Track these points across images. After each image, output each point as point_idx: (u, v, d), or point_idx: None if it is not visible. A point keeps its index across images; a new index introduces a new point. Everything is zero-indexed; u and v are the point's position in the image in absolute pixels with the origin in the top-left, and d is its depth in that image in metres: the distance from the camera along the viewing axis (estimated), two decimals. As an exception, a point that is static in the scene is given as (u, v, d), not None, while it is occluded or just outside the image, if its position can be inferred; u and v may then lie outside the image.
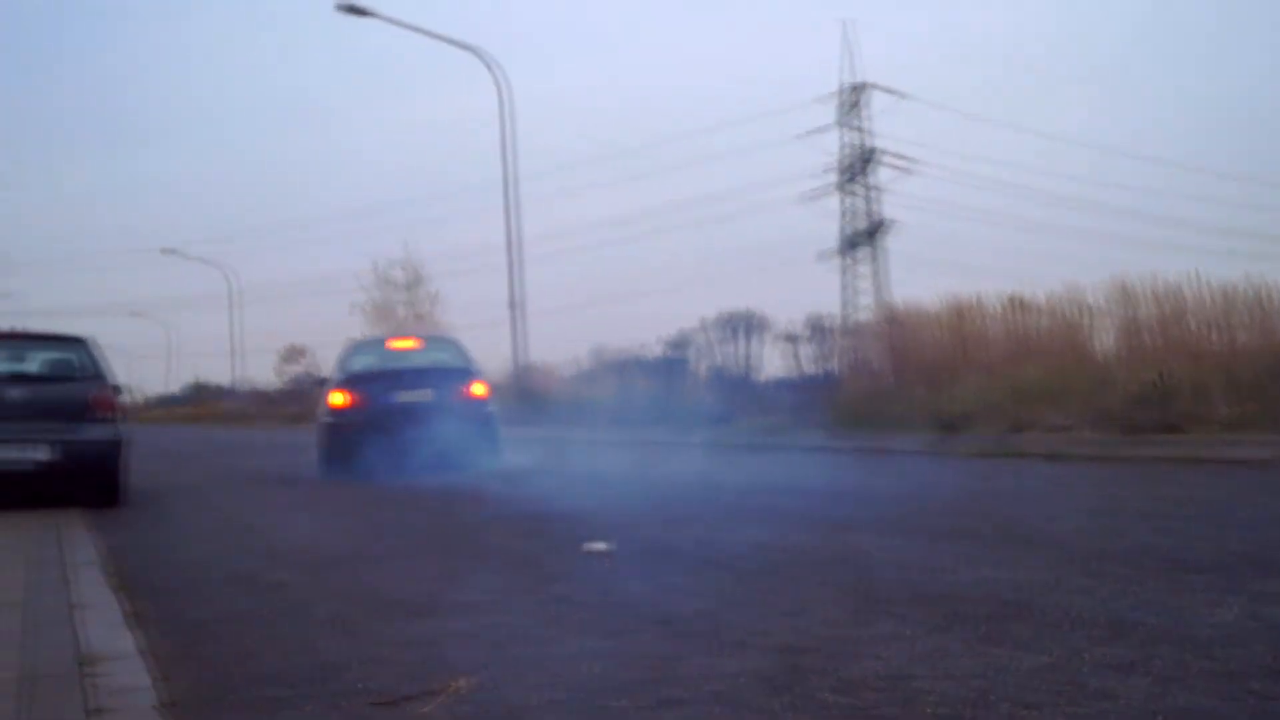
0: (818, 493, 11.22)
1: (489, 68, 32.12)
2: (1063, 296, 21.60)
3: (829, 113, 43.75)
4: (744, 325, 42.04)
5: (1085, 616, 4.86)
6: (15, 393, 11.37)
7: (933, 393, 20.85)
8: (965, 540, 7.55)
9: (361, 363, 16.78)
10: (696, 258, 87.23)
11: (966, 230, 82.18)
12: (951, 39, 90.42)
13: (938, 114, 77.88)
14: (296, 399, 48.46)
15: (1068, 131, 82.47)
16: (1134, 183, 73.76)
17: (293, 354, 64.86)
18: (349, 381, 16.00)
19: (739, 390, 30.92)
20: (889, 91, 42.30)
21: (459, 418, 15.09)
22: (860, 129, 43.78)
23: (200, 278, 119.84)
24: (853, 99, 43.49)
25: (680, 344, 39.61)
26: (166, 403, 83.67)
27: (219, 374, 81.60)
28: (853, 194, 43.96)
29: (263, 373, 75.90)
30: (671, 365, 35.50)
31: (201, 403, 78.67)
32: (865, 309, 40.86)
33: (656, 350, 37.24)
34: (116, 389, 12.25)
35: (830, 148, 43.98)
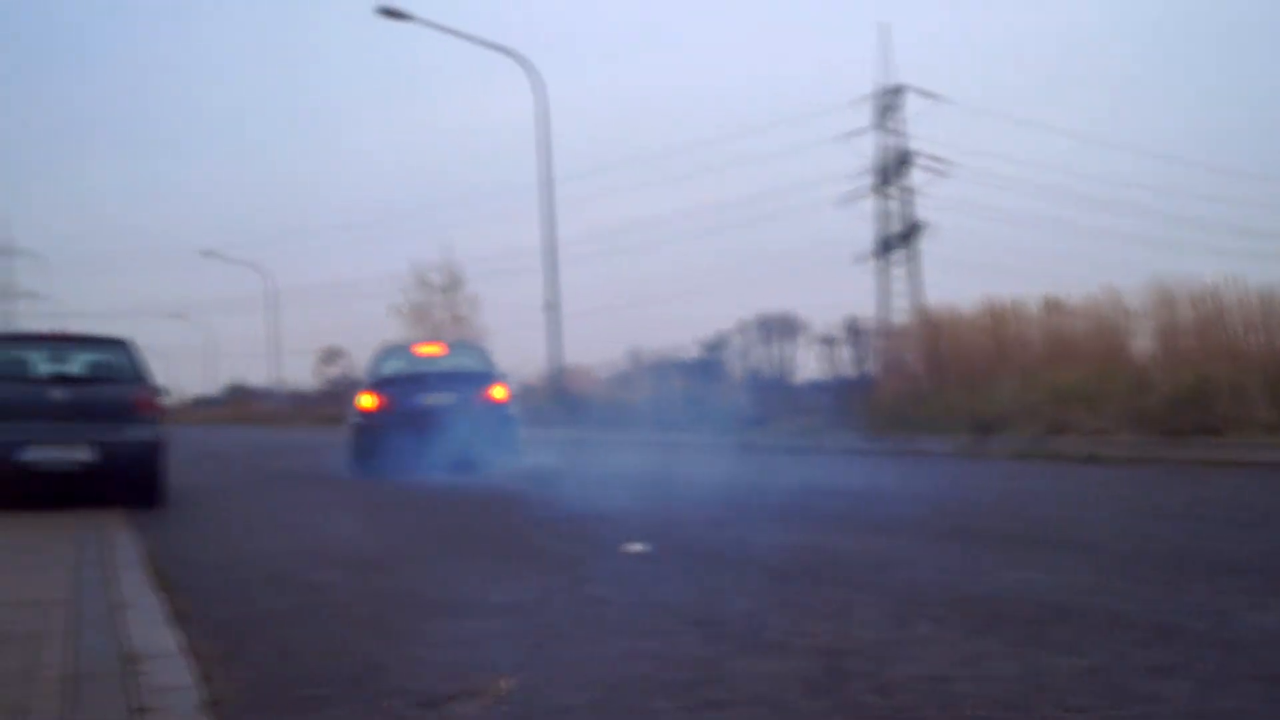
0: (855, 495, 11.20)
1: (526, 71, 32.18)
2: (1100, 299, 21.50)
3: (865, 115, 43.56)
4: (780, 327, 42.08)
5: (1127, 619, 4.84)
6: (58, 394, 11.47)
7: (969, 395, 20.78)
8: (1003, 543, 7.52)
9: (390, 367, 17.73)
10: (732, 260, 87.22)
11: (1000, 232, 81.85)
12: (985, 41, 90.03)
13: (972, 116, 77.47)
14: (334, 400, 48.65)
15: (1102, 133, 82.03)
16: (1169, 185, 73.15)
17: (331, 356, 65.28)
18: (377, 385, 16.97)
19: (775, 392, 30.92)
20: (924, 94, 42.07)
21: (480, 419, 15.97)
22: (896, 131, 43.61)
23: (239, 280, 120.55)
24: (889, 102, 43.30)
25: (716, 346, 39.72)
26: (205, 404, 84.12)
27: (257, 375, 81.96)
28: (888, 196, 43.78)
29: (301, 374, 76.30)
30: (708, 367, 35.54)
31: (239, 404, 79.16)
32: (900, 311, 40.64)
33: (693, 352, 37.34)
34: (157, 390, 12.35)
35: (866, 150, 43.79)
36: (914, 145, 43.48)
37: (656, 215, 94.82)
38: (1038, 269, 53.30)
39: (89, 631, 5.19)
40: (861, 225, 48.06)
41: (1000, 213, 68.00)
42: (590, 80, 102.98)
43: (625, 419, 26.99)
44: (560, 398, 32.09)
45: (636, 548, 7.48)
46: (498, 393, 16.84)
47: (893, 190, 43.68)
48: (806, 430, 22.23)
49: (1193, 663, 4.10)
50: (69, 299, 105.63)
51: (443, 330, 44.20)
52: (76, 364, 12.29)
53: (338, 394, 49.34)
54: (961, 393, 21.12)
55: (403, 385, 16.70)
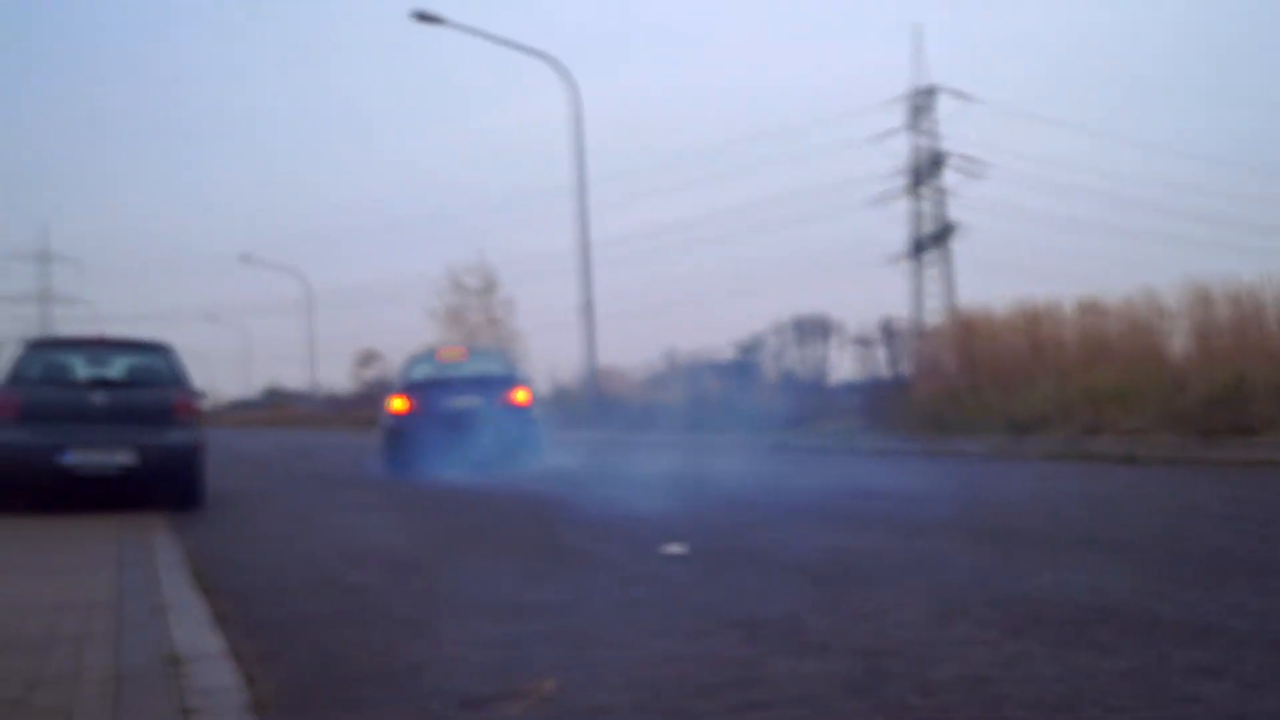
0: (891, 495, 11.18)
1: (559, 74, 32.24)
2: (1136, 299, 21.38)
3: (897, 116, 43.48)
4: (814, 329, 42.01)
5: (1168, 620, 4.83)
6: (99, 398, 11.58)
7: (1004, 396, 20.69)
8: (1041, 543, 7.50)
9: (421, 372, 18.56)
10: (766, 262, 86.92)
11: (1033, 233, 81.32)
12: (1017, 42, 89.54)
13: (1005, 117, 77.21)
14: (370, 403, 48.81)
15: (1135, 134, 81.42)
16: (1202, 184, 72.60)
17: (367, 358, 65.39)
18: (408, 389, 17.77)
19: (809, 393, 30.82)
20: (957, 95, 41.96)
21: (504, 422, 16.83)
22: (929, 132, 43.50)
23: (275, 283, 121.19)
24: (921, 102, 43.20)
25: (751, 347, 39.68)
26: (242, 407, 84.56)
27: (293, 378, 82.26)
28: (921, 197, 43.68)
29: (338, 377, 76.52)
30: (742, 368, 35.54)
31: (277, 407, 79.54)
32: (934, 312, 40.53)
33: (727, 354, 37.35)
34: (196, 394, 12.45)
35: (898, 151, 43.72)
36: (946, 146, 43.42)
37: (690, 217, 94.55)
38: (1070, 269, 52.92)
39: (132, 633, 5.23)
40: (895, 226, 48.02)
41: (1033, 213, 67.73)
42: (623, 83, 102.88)
43: (660, 420, 27.03)
44: (595, 399, 32.15)
45: (674, 549, 7.49)
46: (520, 396, 17.61)
47: (925, 191, 43.62)
48: (841, 431, 22.19)
49: (1234, 663, 4.08)
50: (106, 304, 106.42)
51: (478, 333, 44.33)
52: (116, 368, 12.39)
53: (373, 397, 49.48)
54: (996, 393, 21.03)
55: (431, 389, 17.47)
